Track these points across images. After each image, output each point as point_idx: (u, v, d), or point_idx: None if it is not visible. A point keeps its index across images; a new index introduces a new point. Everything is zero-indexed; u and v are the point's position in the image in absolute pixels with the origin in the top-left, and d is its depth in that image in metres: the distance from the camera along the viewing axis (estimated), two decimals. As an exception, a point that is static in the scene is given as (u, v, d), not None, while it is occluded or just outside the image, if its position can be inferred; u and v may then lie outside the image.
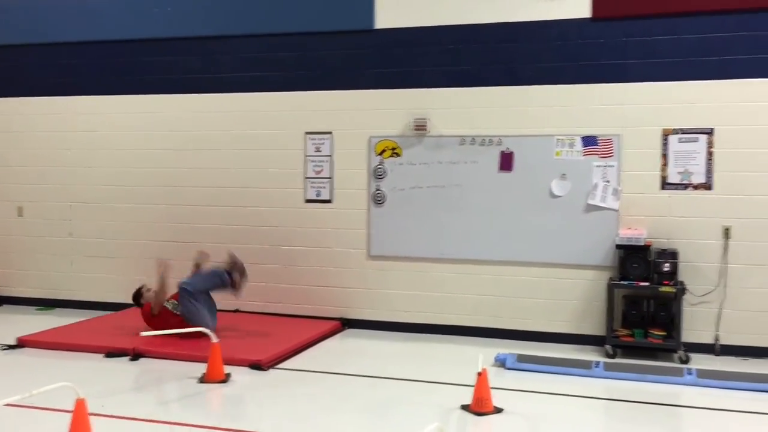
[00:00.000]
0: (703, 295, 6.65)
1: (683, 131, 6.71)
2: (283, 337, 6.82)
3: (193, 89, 8.07)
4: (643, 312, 6.71)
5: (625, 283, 6.59)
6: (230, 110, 7.97)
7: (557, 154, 7.02)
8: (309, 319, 7.67)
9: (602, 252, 6.90)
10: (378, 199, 7.54)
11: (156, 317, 6.78)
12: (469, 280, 7.31)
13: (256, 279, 7.57)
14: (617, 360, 6.40)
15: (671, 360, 6.45)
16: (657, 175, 6.78)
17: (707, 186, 6.66)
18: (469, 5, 7.20)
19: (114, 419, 4.79)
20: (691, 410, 5.26)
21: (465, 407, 5.06)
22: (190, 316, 6.66)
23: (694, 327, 6.65)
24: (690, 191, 6.70)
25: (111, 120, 8.39)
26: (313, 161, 7.76)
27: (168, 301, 6.86)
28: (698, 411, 5.21)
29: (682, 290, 6.49)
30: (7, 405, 4.15)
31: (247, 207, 7.95)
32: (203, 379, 5.67)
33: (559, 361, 6.19)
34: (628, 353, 6.60)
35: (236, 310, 7.82)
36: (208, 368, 5.70)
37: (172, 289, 6.86)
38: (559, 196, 7.02)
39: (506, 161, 7.17)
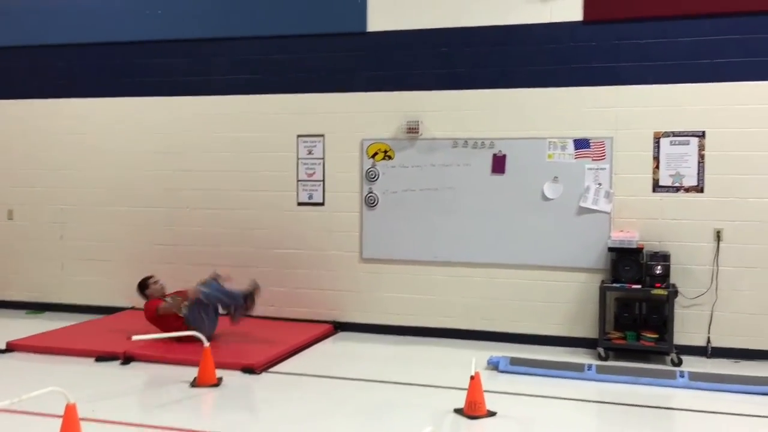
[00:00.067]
0: (695, 297, 6.67)
1: (675, 134, 6.73)
2: (276, 341, 6.80)
3: (184, 92, 8.04)
4: (635, 314, 6.71)
5: (618, 285, 6.60)
6: (222, 113, 7.94)
7: (549, 156, 7.03)
8: (301, 322, 7.65)
9: (594, 255, 6.90)
10: (370, 202, 7.53)
11: (160, 317, 6.74)
12: (462, 283, 7.31)
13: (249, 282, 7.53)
14: (610, 363, 6.41)
15: (663, 362, 6.47)
16: (649, 177, 6.79)
17: (699, 189, 6.68)
18: (460, 8, 7.20)
19: (104, 424, 4.75)
20: (683, 413, 5.27)
21: (458, 411, 5.05)
22: (193, 323, 6.60)
23: (686, 329, 6.67)
24: (682, 194, 6.72)
25: (102, 122, 8.35)
26: (305, 164, 7.74)
27: (173, 297, 6.81)
28: (690, 413, 5.22)
29: (674, 293, 6.50)
30: (-3, 410, 4.13)
31: (239, 210, 7.92)
32: (195, 384, 5.65)
33: (551, 364, 6.19)
34: (620, 356, 6.62)
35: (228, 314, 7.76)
36: (200, 372, 5.68)
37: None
38: (552, 199, 7.03)
39: (499, 164, 7.17)
